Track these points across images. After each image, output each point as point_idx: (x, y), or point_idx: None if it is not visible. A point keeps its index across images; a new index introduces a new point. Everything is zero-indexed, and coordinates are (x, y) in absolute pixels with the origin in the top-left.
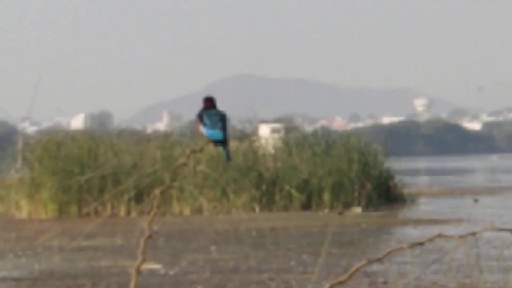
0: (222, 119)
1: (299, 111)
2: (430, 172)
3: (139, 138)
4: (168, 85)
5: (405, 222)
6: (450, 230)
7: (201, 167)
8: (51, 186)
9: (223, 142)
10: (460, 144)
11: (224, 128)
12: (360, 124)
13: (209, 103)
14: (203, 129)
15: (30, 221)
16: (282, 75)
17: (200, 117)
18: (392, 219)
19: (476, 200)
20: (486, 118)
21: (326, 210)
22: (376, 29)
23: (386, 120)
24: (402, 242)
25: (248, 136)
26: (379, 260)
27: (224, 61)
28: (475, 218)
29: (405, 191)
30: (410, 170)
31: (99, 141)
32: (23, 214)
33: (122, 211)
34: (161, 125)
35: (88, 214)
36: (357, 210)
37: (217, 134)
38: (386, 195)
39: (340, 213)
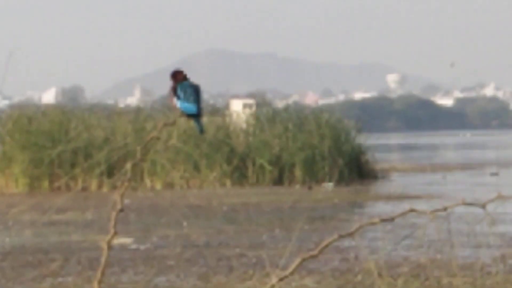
0: (196, 91)
1: (271, 86)
2: (402, 148)
3: (111, 112)
4: (140, 59)
5: (377, 198)
6: (422, 205)
7: (173, 141)
8: (22, 160)
9: (196, 115)
10: (432, 120)
11: (197, 101)
12: (332, 100)
13: (180, 76)
14: (176, 102)
15: (1, 195)
16: (254, 50)
17: (174, 90)
18: (364, 194)
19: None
20: (458, 94)
21: (298, 186)
22: (349, 3)
23: (358, 95)
24: (374, 217)
25: (220, 111)
26: (350, 234)
27: (196, 36)
28: (446, 194)
29: (377, 167)
30: (382, 146)
31: (71, 116)
32: None
33: (94, 186)
34: (133, 100)
35: (59, 188)
36: (329, 185)
37: (191, 107)
38: (358, 170)
39: (309, 188)
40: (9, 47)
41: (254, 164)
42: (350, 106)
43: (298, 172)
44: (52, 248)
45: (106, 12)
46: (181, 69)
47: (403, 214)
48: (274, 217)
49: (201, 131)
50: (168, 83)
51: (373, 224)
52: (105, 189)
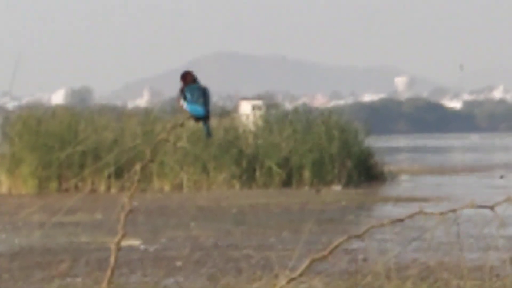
0: (204, 94)
1: (280, 88)
2: (411, 150)
3: (120, 114)
4: (149, 61)
5: (385, 200)
6: (430, 208)
7: (181, 143)
8: (31, 161)
9: (204, 118)
10: (440, 122)
11: (206, 103)
12: (341, 102)
13: (190, 77)
14: (185, 105)
15: (10, 196)
16: (263, 53)
17: (182, 92)
18: (373, 197)
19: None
20: (466, 96)
21: (306, 188)
22: (358, 7)
23: (367, 98)
24: (383, 219)
25: (229, 113)
26: (360, 236)
27: (206, 38)
28: (455, 196)
29: (386, 169)
30: (391, 148)
31: (80, 117)
32: (3, 189)
33: (102, 187)
34: (142, 102)
35: (68, 189)
36: (337, 187)
37: (199, 109)
38: (367, 173)
39: (318, 190)
40: (18, 49)
41: (262, 166)
42: (359, 108)
43: (306, 174)
44: (61, 249)
45: (115, 14)
46: (191, 71)
47: (412, 215)
48: (282, 219)
49: (209, 134)
50: (177, 85)
51: (382, 225)
52: (113, 191)
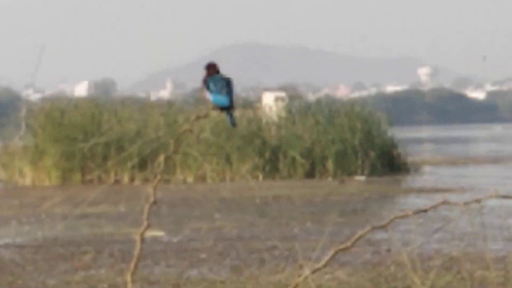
0: (228, 84)
1: (303, 79)
2: (434, 141)
3: (143, 105)
4: (172, 52)
5: (409, 191)
6: (454, 198)
7: (205, 134)
8: (54, 153)
9: (228, 108)
10: (463, 113)
11: (230, 93)
12: (364, 93)
13: (213, 69)
14: (208, 95)
15: (33, 188)
16: (286, 43)
17: (206, 82)
18: (396, 188)
19: None
20: (489, 87)
21: (330, 179)
22: None
23: (390, 88)
24: (406, 210)
25: (252, 104)
26: (383, 226)
27: (228, 29)
28: (478, 187)
29: (409, 160)
30: (414, 139)
31: (103, 109)
32: (27, 181)
33: (126, 178)
34: (165, 93)
35: (91, 181)
36: (361, 178)
37: (223, 99)
38: (390, 164)
39: (341, 182)
40: (41, 40)
41: (286, 157)
42: (382, 99)
43: (330, 165)
44: (85, 240)
45: (138, 5)
46: (215, 62)
47: (436, 206)
48: (305, 210)
49: (233, 124)
50: (200, 76)
51: (405, 216)
52: (137, 182)
